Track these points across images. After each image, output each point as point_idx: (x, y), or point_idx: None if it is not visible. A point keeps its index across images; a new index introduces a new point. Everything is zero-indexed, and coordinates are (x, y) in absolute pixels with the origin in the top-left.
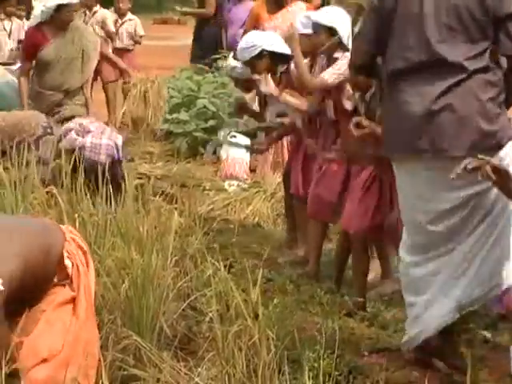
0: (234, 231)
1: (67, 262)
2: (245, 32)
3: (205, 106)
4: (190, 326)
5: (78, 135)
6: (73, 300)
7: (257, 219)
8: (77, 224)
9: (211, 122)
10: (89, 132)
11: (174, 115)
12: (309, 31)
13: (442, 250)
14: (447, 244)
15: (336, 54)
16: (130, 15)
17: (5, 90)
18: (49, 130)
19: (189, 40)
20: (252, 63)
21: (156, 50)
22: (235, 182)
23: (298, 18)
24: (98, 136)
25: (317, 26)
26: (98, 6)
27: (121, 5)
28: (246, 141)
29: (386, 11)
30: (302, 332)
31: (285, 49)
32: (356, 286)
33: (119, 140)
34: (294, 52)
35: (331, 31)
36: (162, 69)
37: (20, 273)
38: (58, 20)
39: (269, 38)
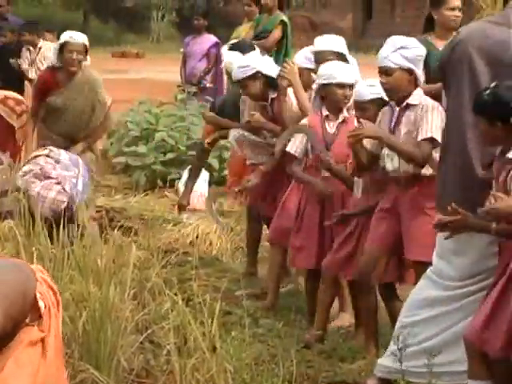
0: (193, 264)
1: (40, 304)
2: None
3: (163, 139)
4: (148, 359)
5: (35, 178)
6: (42, 340)
7: (215, 252)
8: (34, 257)
9: (170, 155)
10: (48, 178)
11: (133, 148)
12: (310, 66)
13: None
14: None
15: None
16: None
17: None
18: None
19: (147, 73)
20: (245, 83)
21: (114, 83)
22: (192, 216)
23: (301, 52)
24: (48, 187)
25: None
26: (41, 40)
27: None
28: (206, 175)
29: None
30: (260, 365)
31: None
32: (318, 319)
33: (79, 184)
34: (293, 82)
35: None
36: (121, 102)
37: (1, 318)
38: (64, 62)
39: (265, 62)
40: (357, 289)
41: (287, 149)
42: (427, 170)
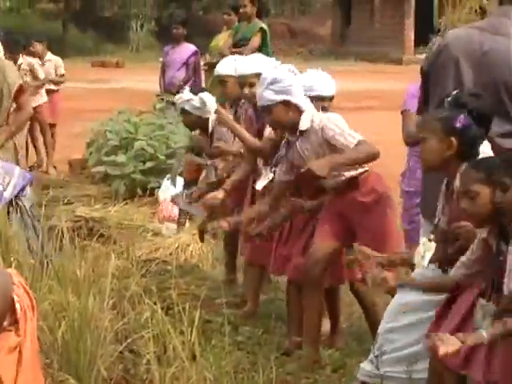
0: (172, 273)
1: (17, 306)
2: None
3: (142, 148)
4: (128, 368)
5: None
6: (18, 346)
7: (195, 261)
8: (13, 267)
9: (149, 164)
10: None
11: (112, 157)
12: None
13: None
14: None
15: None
16: (49, 55)
17: None
18: None
19: (126, 82)
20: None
21: (94, 92)
22: (172, 225)
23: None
24: None
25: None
26: (21, 56)
27: (36, 48)
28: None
29: None
30: (240, 373)
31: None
32: (294, 325)
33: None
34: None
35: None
36: (100, 111)
37: None
38: None
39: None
40: (303, 288)
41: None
42: (356, 170)
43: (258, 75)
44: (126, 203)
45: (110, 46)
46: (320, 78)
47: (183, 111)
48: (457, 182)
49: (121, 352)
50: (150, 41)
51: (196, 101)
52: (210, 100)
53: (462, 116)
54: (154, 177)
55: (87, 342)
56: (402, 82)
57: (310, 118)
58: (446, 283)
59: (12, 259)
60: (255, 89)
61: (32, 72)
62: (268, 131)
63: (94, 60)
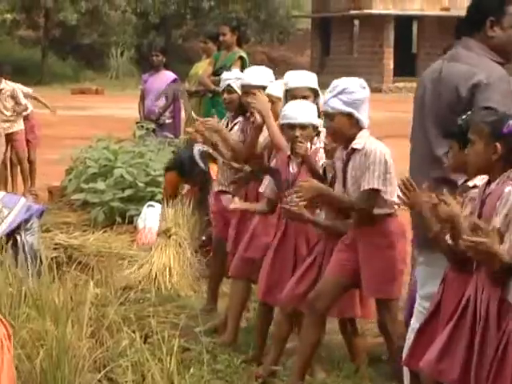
0: (151, 301)
1: None
2: None
3: (122, 176)
4: None
5: None
6: None
7: (174, 286)
8: None
9: (128, 192)
10: None
11: (91, 185)
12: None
13: None
14: None
15: None
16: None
17: None
18: None
19: (106, 110)
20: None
21: (74, 119)
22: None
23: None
24: None
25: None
26: (3, 81)
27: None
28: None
29: None
30: None
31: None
32: (273, 353)
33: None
34: (264, 114)
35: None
36: (80, 139)
37: None
38: None
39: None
40: (305, 319)
41: (260, 189)
42: (381, 210)
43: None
44: (105, 231)
45: (89, 73)
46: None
47: (229, 88)
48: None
49: (99, 380)
50: (130, 68)
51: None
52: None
53: (510, 121)
54: (133, 204)
55: (65, 370)
56: (381, 110)
57: (365, 139)
58: None
59: None
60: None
61: (13, 98)
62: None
63: (74, 87)
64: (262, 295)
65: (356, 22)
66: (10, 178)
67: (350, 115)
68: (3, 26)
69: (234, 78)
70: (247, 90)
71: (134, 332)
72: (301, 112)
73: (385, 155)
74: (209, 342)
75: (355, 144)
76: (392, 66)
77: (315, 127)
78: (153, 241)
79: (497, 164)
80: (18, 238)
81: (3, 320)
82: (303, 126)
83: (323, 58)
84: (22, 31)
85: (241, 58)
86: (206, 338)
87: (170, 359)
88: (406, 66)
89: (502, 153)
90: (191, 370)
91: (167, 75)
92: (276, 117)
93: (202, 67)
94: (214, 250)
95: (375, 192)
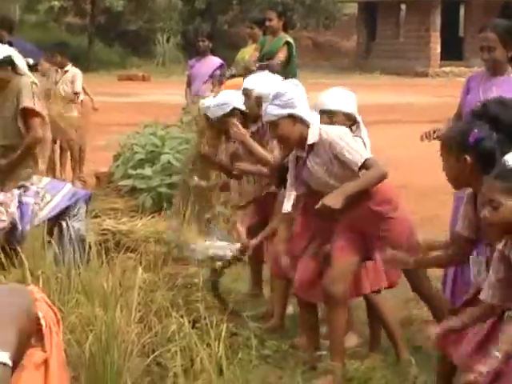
0: (199, 286)
1: (42, 322)
2: None
3: (169, 162)
4: (155, 381)
5: None
6: (45, 361)
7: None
8: (40, 281)
9: (175, 178)
10: None
11: (138, 171)
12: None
13: None
14: None
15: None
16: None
17: None
18: None
19: (153, 96)
20: (223, 121)
21: (120, 106)
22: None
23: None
24: None
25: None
26: (70, 64)
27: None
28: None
29: None
30: None
31: None
32: (309, 341)
33: (46, 208)
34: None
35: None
36: (127, 125)
37: (16, 348)
38: None
39: (241, 97)
40: (326, 304)
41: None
42: None
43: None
44: (153, 216)
45: (135, 60)
46: (342, 95)
47: (205, 118)
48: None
49: (148, 365)
50: (176, 54)
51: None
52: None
53: (475, 130)
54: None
55: (114, 355)
56: (427, 95)
57: (317, 131)
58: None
59: (40, 273)
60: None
61: (72, 83)
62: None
63: (120, 74)
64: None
65: (403, 6)
66: (58, 164)
67: (291, 116)
68: (51, 13)
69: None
70: (260, 100)
71: (182, 317)
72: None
73: (341, 129)
74: (256, 327)
75: (310, 140)
76: (439, 51)
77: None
78: None
79: (472, 175)
80: (64, 223)
81: (52, 306)
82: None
83: (369, 43)
84: (70, 18)
85: (287, 43)
86: (253, 323)
87: (218, 344)
88: (452, 50)
89: (473, 163)
90: (239, 355)
91: (213, 61)
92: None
93: (248, 52)
94: (249, 235)
95: (370, 160)
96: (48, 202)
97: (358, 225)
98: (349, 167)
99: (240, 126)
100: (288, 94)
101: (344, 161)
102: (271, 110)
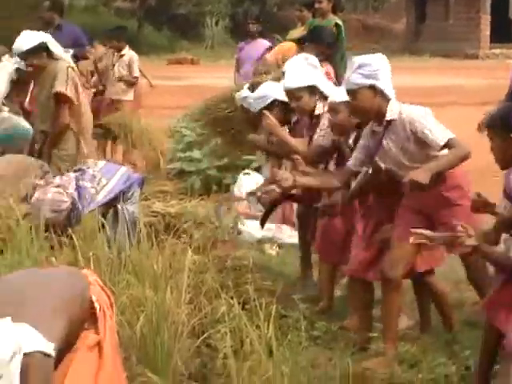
0: (248, 268)
1: (96, 305)
2: None
3: (217, 144)
4: (205, 362)
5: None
6: (98, 344)
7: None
8: (91, 262)
9: (224, 160)
10: (48, 185)
11: (187, 153)
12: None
13: None
14: None
15: (317, 111)
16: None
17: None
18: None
19: (202, 79)
20: (262, 114)
21: (170, 89)
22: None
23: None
24: (45, 191)
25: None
26: (127, 48)
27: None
28: (260, 178)
29: None
30: (316, 368)
31: None
32: (360, 323)
33: (102, 192)
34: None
35: (310, 89)
36: (176, 108)
37: (66, 330)
38: None
39: (281, 89)
40: (383, 286)
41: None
42: None
43: (304, 89)
44: (202, 199)
45: (184, 44)
46: None
47: (242, 108)
48: None
49: (198, 346)
50: (225, 38)
51: (251, 98)
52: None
53: None
54: (229, 173)
55: (165, 336)
56: (478, 77)
57: (398, 108)
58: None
59: (91, 254)
60: (302, 102)
61: (129, 66)
62: (319, 139)
63: (170, 57)
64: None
65: None
66: (109, 147)
67: (372, 88)
68: None
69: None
70: (290, 94)
71: (231, 298)
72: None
73: (422, 109)
74: (306, 308)
75: (388, 116)
76: (488, 32)
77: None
78: (250, 210)
79: None
80: (119, 206)
81: (105, 289)
82: None
83: (418, 25)
84: (119, 2)
85: (336, 25)
86: (303, 305)
87: (268, 325)
88: (502, 32)
89: None
90: (289, 337)
91: (262, 43)
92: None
93: (297, 35)
94: (298, 219)
95: (453, 139)
96: (104, 186)
97: (424, 208)
98: (427, 147)
99: (271, 117)
100: (373, 65)
101: (424, 140)
102: (354, 79)
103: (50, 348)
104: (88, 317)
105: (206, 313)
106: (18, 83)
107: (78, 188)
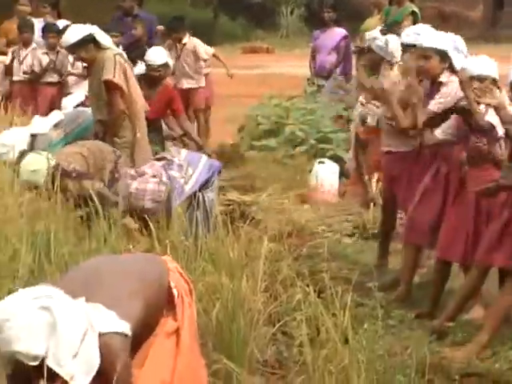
0: (324, 256)
1: (174, 292)
2: None
3: (293, 133)
4: (280, 350)
5: (131, 179)
6: (176, 331)
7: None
8: (168, 249)
9: (300, 149)
10: (143, 175)
11: (263, 142)
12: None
13: None
14: None
15: (441, 78)
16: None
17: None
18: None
19: (276, 68)
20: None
21: (245, 78)
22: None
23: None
24: (145, 181)
25: (427, 50)
26: (187, 36)
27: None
28: (335, 167)
29: None
30: (392, 356)
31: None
32: (452, 309)
33: (190, 182)
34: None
35: (442, 54)
36: (251, 97)
37: (143, 315)
38: None
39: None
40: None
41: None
42: None
43: (436, 51)
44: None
45: (259, 33)
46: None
47: (368, 49)
48: None
49: (273, 334)
50: (300, 26)
51: (381, 40)
52: (394, 44)
53: None
54: (304, 161)
55: (241, 323)
56: None
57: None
58: None
59: (167, 242)
60: (429, 63)
61: (194, 54)
62: (435, 105)
63: (244, 46)
64: (441, 252)
65: None
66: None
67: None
68: None
69: (372, 37)
70: (419, 53)
71: (307, 286)
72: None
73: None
74: (382, 297)
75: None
76: None
77: None
78: (324, 197)
79: None
80: (200, 194)
81: (185, 275)
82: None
83: (496, 12)
84: None
85: (413, 12)
86: (379, 294)
87: (344, 314)
88: None
89: None
90: (365, 325)
91: (338, 32)
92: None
93: (373, 23)
94: (382, 206)
95: None
96: (191, 176)
97: None
98: None
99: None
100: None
101: None
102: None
103: (125, 328)
104: (166, 303)
105: (281, 301)
106: None
107: (169, 178)
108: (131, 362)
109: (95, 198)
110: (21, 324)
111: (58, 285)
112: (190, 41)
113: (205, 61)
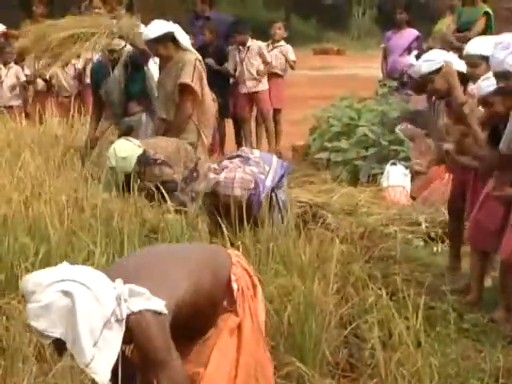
0: (396, 259)
1: (234, 285)
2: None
3: (365, 134)
4: (352, 352)
5: (215, 174)
6: (238, 325)
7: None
8: (240, 251)
9: (371, 150)
10: (225, 168)
11: (334, 143)
12: None
13: None
14: None
15: None
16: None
17: None
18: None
19: (348, 69)
20: (428, 78)
21: (316, 79)
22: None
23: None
24: (232, 170)
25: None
26: (250, 40)
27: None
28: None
29: None
30: (465, 360)
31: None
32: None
33: (268, 180)
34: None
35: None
36: (323, 98)
37: (190, 296)
38: None
39: (451, 57)
40: None
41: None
42: None
43: (485, 58)
44: (349, 189)
45: (331, 34)
46: None
47: (409, 78)
48: None
49: (345, 336)
50: (371, 27)
51: (418, 66)
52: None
53: None
54: (376, 163)
55: (312, 325)
56: None
57: None
58: None
59: (239, 243)
60: (478, 70)
61: (260, 56)
62: None
63: (315, 47)
64: (505, 254)
65: None
66: (255, 137)
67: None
68: None
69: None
70: (468, 60)
71: (379, 289)
72: None
73: None
74: (454, 300)
75: None
76: None
77: None
78: (396, 199)
79: None
80: (273, 194)
81: (249, 269)
82: None
83: None
84: None
85: (486, 13)
86: (451, 297)
87: (416, 317)
88: None
89: None
90: (437, 328)
91: (410, 32)
92: None
93: (446, 24)
94: (449, 209)
95: None
96: (268, 172)
97: None
98: None
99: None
100: None
101: None
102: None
103: (158, 305)
104: (226, 296)
105: (353, 303)
106: None
107: (251, 172)
108: (169, 338)
109: (161, 187)
110: (40, 303)
111: (111, 266)
112: (255, 43)
113: (268, 63)
